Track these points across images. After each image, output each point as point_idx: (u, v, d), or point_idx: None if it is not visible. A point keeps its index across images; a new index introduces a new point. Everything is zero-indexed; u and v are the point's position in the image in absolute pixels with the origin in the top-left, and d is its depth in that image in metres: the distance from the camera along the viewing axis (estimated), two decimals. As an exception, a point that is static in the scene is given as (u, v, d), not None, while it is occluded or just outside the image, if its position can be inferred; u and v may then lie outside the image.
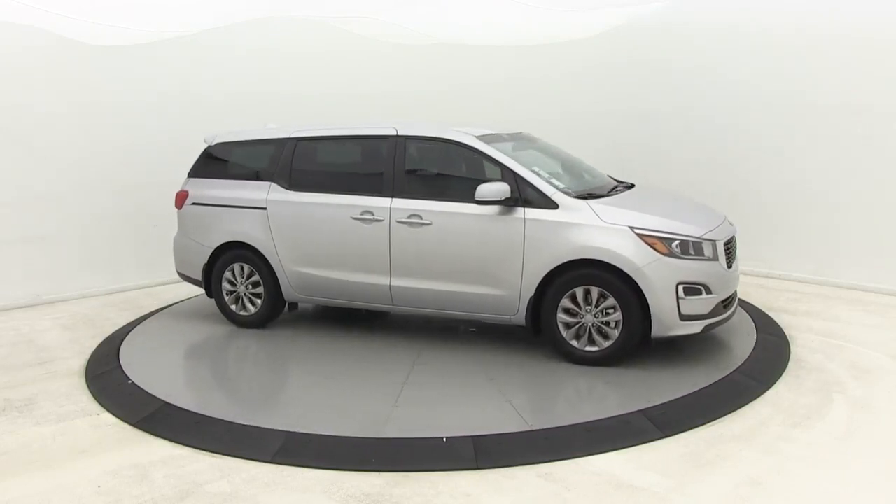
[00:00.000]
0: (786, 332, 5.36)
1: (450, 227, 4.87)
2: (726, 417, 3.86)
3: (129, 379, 4.62)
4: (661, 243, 4.40)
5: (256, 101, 8.01)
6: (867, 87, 6.58)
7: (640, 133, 8.43)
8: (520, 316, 4.76)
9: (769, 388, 4.27)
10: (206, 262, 5.82)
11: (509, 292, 4.74)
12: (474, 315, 4.98)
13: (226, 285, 5.81)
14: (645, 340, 4.50)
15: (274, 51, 8.28)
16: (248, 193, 5.66)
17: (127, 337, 5.58)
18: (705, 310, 4.48)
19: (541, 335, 4.76)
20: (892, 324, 5.56)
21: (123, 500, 3.17)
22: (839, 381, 4.36)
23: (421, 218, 4.95)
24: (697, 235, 4.51)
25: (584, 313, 4.55)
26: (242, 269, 5.71)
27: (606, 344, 4.53)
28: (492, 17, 8.87)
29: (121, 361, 4.97)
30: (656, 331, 4.43)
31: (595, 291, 4.49)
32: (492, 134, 5.25)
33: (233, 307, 5.81)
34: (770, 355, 4.82)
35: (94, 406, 4.31)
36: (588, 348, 4.58)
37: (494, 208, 4.72)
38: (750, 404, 4.03)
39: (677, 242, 4.43)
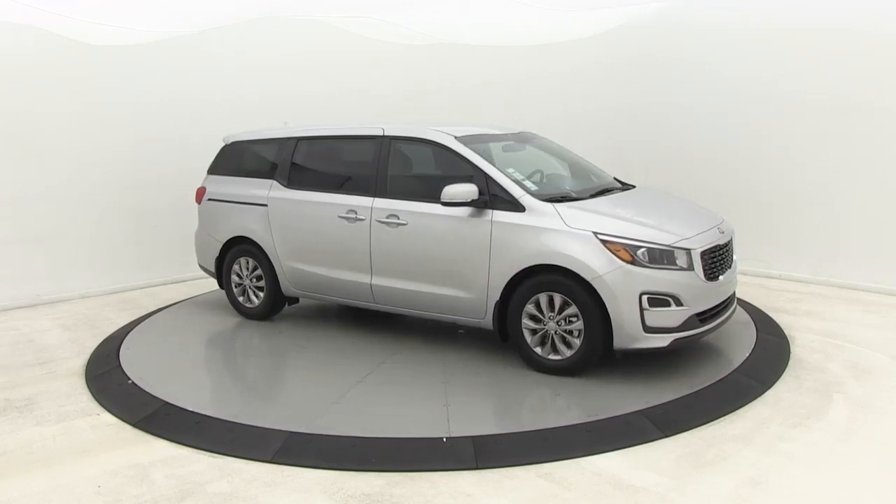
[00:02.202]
0: (786, 332, 5.36)
1: (424, 227, 4.85)
2: (726, 417, 3.86)
3: (129, 379, 4.62)
4: (624, 250, 4.18)
5: (257, 101, 8.02)
6: (867, 86, 6.58)
7: (640, 133, 8.43)
8: (488, 320, 4.67)
9: (769, 388, 4.27)
10: (217, 255, 6.15)
11: (477, 295, 4.66)
12: (447, 317, 4.93)
13: (234, 278, 6.10)
14: (609, 352, 4.31)
15: (274, 50, 8.28)
16: (253, 190, 5.87)
17: (127, 337, 5.58)
18: (674, 323, 4.20)
19: (508, 341, 4.65)
20: (892, 324, 5.56)
21: (123, 500, 3.17)
22: (839, 381, 4.36)
23: (398, 218, 4.97)
24: (667, 243, 4.25)
25: (547, 320, 4.41)
26: (248, 262, 5.98)
27: (569, 353, 4.37)
28: (492, 17, 8.87)
29: (121, 361, 4.97)
30: (618, 342, 4.22)
31: (558, 298, 4.34)
32: (478, 134, 5.17)
33: (240, 299, 6.09)
34: (770, 355, 4.82)
35: (94, 406, 4.31)
36: (551, 357, 4.44)
37: (466, 210, 4.65)
38: (750, 404, 4.03)
39: (643, 250, 4.19)
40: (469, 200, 4.56)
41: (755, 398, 4.11)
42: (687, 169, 7.99)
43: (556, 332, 4.41)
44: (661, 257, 4.22)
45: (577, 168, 5.58)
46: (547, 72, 8.98)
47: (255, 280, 5.95)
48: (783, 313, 5.87)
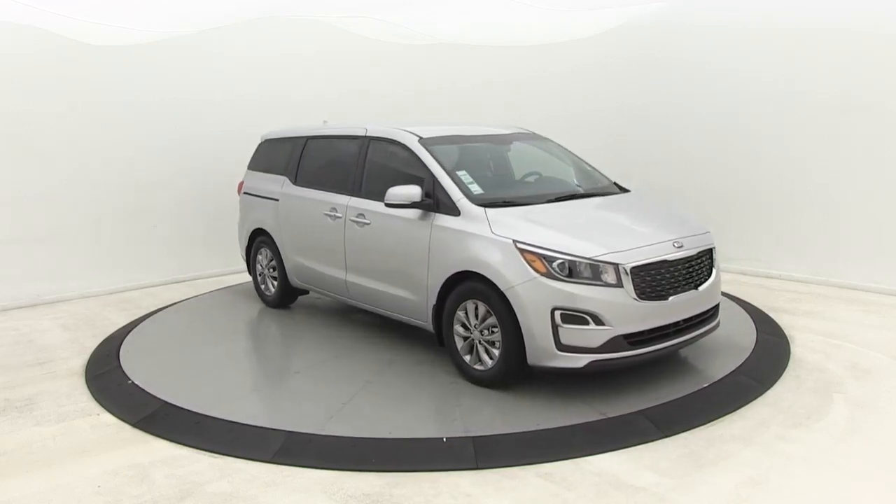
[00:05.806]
0: (786, 332, 5.36)
1: (382, 227, 4.89)
2: (726, 417, 3.85)
3: (129, 379, 4.62)
4: (539, 261, 3.91)
5: (257, 101, 8.02)
6: (867, 86, 6.58)
7: (640, 133, 8.43)
8: (428, 323, 4.62)
9: (769, 388, 4.26)
10: (246, 244, 6.63)
11: (420, 298, 4.63)
12: (401, 317, 4.93)
13: (258, 267, 6.54)
14: (525, 367, 4.07)
15: (274, 50, 8.27)
16: (271, 186, 6.21)
17: (127, 337, 5.58)
18: (593, 343, 3.86)
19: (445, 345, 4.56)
20: (892, 324, 5.55)
21: (123, 500, 3.17)
22: (839, 381, 4.36)
23: (364, 217, 5.04)
24: (589, 256, 3.90)
25: (473, 329, 4.30)
26: (266, 253, 6.39)
27: (490, 364, 4.21)
28: (492, 17, 8.87)
29: (121, 361, 4.98)
30: (531, 358, 3.99)
31: (482, 307, 4.20)
32: (450, 135, 5.09)
33: (262, 287, 6.54)
34: (770, 355, 4.82)
35: (94, 406, 4.31)
36: (476, 366, 4.31)
37: (416, 212, 4.59)
38: (750, 404, 4.03)
39: (560, 262, 3.89)
40: (410, 203, 4.50)
41: (755, 398, 4.10)
42: (687, 169, 7.99)
43: (479, 342, 4.29)
44: (582, 271, 3.90)
45: (565, 169, 5.42)
46: (547, 72, 8.98)
47: (271, 270, 6.34)
48: (783, 313, 5.87)
